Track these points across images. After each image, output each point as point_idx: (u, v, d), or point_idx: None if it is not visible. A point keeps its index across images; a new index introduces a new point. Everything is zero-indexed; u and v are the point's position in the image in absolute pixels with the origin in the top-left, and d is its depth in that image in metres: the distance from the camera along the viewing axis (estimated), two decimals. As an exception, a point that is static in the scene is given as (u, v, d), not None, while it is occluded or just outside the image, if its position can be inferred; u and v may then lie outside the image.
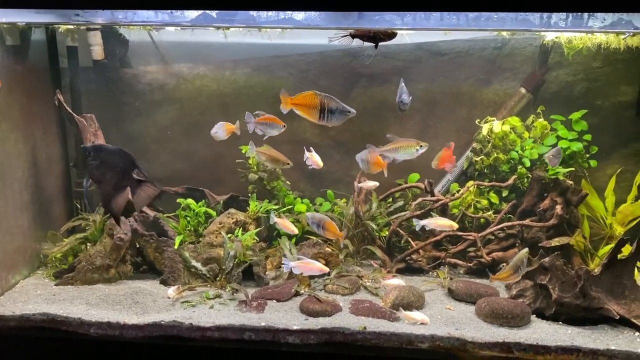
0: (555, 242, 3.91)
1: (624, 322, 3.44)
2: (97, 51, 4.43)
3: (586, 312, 3.46)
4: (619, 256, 3.54)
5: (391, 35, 3.15)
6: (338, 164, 4.75)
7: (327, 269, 3.58)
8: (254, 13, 2.99)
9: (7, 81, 3.80)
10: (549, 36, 4.14)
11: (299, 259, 3.61)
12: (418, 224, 3.88)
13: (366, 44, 3.21)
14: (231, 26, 3.59)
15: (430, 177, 4.38)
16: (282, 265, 3.62)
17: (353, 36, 3.18)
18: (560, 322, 3.48)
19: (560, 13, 2.83)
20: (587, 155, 4.25)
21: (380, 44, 3.25)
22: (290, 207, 4.54)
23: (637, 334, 3.36)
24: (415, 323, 3.40)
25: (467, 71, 4.53)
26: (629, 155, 4.42)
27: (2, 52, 3.83)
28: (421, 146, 3.58)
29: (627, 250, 3.67)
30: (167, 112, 4.73)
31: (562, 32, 3.89)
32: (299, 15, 2.96)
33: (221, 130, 3.95)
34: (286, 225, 3.93)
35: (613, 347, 3.18)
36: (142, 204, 3.65)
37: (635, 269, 3.64)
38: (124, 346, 3.41)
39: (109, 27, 4.28)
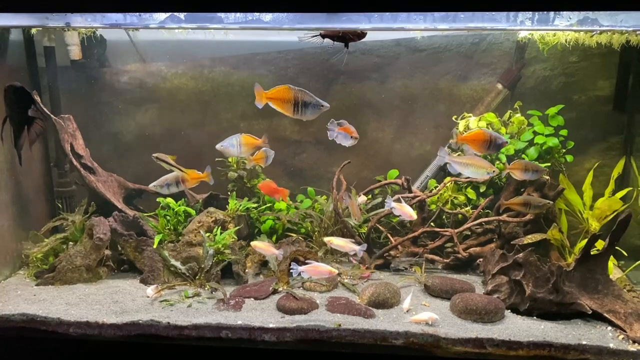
0: (528, 239, 3.93)
1: (596, 317, 3.47)
2: (75, 51, 4.43)
3: (559, 307, 3.49)
4: (592, 251, 3.57)
5: (360, 35, 3.16)
6: (318, 161, 4.77)
7: (335, 271, 3.57)
8: (222, 15, 2.99)
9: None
10: (523, 32, 4.14)
11: (306, 263, 3.59)
12: (389, 203, 3.87)
13: (337, 43, 3.22)
14: (199, 28, 3.59)
15: (408, 174, 4.40)
16: (291, 270, 3.60)
17: (323, 36, 3.19)
18: (534, 317, 3.52)
19: (527, 12, 2.84)
20: (564, 151, 4.27)
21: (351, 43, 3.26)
22: (270, 205, 4.55)
23: (609, 328, 3.40)
24: (428, 322, 3.40)
25: (445, 67, 4.54)
26: (607, 150, 4.45)
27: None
28: (493, 171, 3.62)
29: (600, 245, 3.71)
30: (146, 111, 4.74)
31: (529, 30, 3.91)
32: (267, 17, 2.96)
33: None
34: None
35: (584, 342, 3.21)
36: (32, 141, 3.80)
37: (610, 263, 3.68)
38: (102, 345, 3.44)
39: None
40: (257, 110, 4.65)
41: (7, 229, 4.14)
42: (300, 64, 4.64)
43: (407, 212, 3.85)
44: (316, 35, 3.20)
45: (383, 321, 3.46)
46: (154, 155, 3.87)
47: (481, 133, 3.54)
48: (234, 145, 3.61)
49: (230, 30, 3.80)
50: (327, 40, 3.23)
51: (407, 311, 3.55)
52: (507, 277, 3.68)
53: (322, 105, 3.24)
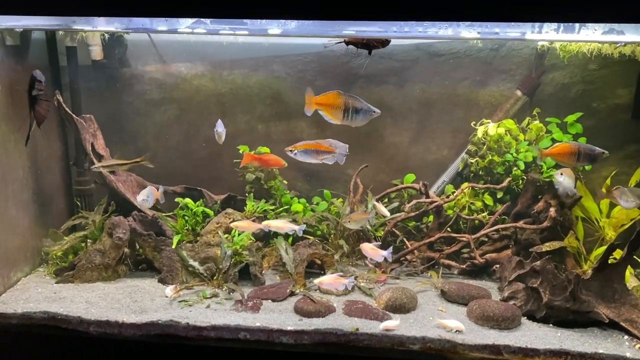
0: (546, 247, 3.94)
1: (613, 326, 3.49)
2: (96, 51, 4.48)
3: (576, 315, 3.51)
4: (609, 260, 3.58)
5: (384, 42, 3.18)
6: (335, 164, 4.77)
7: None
8: (247, 21, 3.02)
9: (8, 82, 3.86)
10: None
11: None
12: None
13: (360, 50, 3.24)
14: (223, 34, 3.61)
15: (425, 178, 4.42)
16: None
17: (347, 43, 3.21)
18: (551, 325, 3.53)
19: (552, 23, 2.85)
20: (582, 158, 4.27)
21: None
22: (287, 207, 4.58)
23: (625, 337, 3.41)
24: (451, 330, 3.41)
25: (464, 72, 4.53)
26: (624, 158, 4.44)
27: (3, 52, 3.86)
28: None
29: (618, 254, 3.71)
30: (165, 112, 4.77)
31: (553, 41, 3.90)
32: (292, 24, 2.98)
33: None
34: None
35: (601, 351, 3.23)
36: (40, 120, 3.74)
37: (627, 272, 3.68)
38: (122, 344, 3.48)
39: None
40: (275, 112, 4.69)
41: (28, 226, 4.19)
42: (318, 66, 4.65)
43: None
44: (340, 42, 3.22)
45: (400, 326, 3.48)
46: (92, 167, 4.22)
47: (568, 146, 3.54)
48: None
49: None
50: (350, 46, 3.25)
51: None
52: (524, 284, 3.70)
53: (373, 111, 3.20)
